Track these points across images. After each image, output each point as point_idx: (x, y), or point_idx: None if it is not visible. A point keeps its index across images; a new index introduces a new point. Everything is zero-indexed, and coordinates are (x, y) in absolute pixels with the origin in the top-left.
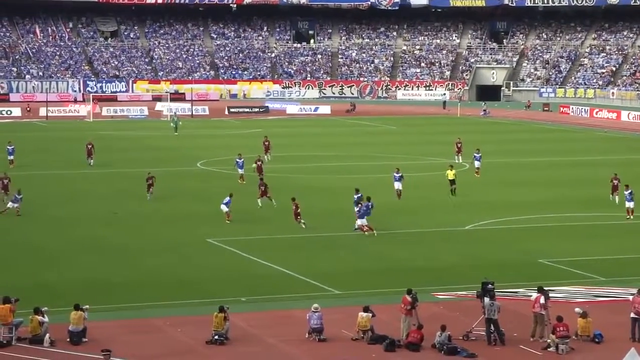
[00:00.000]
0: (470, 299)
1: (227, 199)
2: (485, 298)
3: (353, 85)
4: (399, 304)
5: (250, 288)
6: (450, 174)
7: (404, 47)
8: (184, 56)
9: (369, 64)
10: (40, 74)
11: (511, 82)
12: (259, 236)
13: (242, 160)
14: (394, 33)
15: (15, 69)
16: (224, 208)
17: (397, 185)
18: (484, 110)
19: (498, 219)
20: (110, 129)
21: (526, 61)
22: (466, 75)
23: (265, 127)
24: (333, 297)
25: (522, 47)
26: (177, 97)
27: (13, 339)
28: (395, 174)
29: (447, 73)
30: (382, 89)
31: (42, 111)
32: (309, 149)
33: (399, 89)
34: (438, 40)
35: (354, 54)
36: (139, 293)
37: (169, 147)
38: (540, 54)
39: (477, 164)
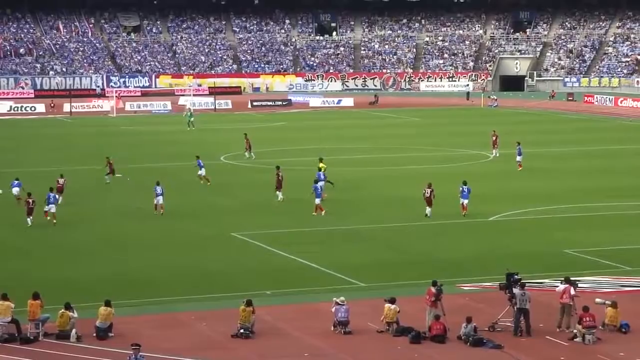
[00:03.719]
0: (495, 290)
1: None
2: (515, 288)
3: (376, 77)
4: (424, 296)
5: (275, 281)
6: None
7: (427, 39)
8: (207, 50)
9: (391, 55)
10: (64, 69)
11: (535, 72)
12: (284, 229)
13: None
14: (417, 24)
15: (39, 65)
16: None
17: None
18: (493, 99)
19: (522, 210)
20: (134, 124)
21: (550, 51)
22: (489, 65)
23: (288, 120)
24: (358, 289)
25: (546, 36)
26: (233, 90)
27: (40, 334)
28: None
29: (471, 64)
30: (405, 80)
31: (66, 107)
32: (332, 142)
33: (422, 80)
34: (461, 31)
35: (376, 46)
36: (164, 288)
37: (192, 141)
38: (564, 44)
39: (519, 157)
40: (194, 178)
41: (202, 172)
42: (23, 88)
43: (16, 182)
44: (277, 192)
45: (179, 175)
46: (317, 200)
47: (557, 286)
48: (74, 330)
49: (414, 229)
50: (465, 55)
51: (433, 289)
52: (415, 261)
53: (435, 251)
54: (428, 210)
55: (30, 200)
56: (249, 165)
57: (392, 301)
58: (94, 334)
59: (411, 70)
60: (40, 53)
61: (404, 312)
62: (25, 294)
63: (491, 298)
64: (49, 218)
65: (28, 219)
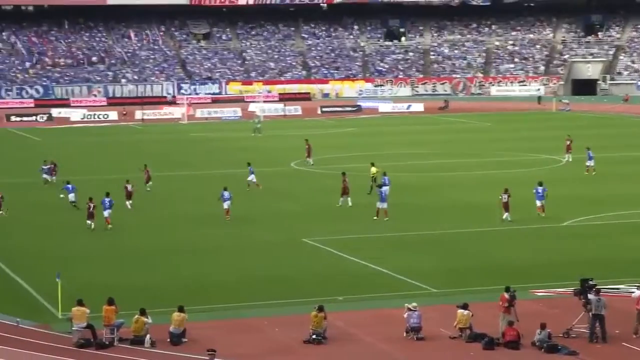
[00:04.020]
0: (570, 296)
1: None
2: (590, 294)
3: (446, 82)
4: (497, 302)
5: (347, 287)
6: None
7: (497, 43)
8: (276, 56)
9: (461, 60)
10: (136, 77)
11: (608, 76)
12: (355, 235)
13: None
14: (486, 29)
15: (111, 74)
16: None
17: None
18: (565, 103)
19: (597, 215)
20: (204, 131)
21: (623, 54)
22: (561, 69)
23: (357, 126)
24: (430, 295)
25: (618, 39)
26: (302, 96)
27: (115, 339)
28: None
29: (542, 68)
30: (475, 85)
31: (138, 114)
32: (402, 147)
33: (493, 85)
34: (531, 35)
35: (446, 51)
36: (236, 293)
37: (262, 147)
38: (637, 47)
39: (590, 162)
40: (264, 183)
41: (252, 178)
42: (96, 96)
43: (70, 186)
44: (342, 198)
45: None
46: (380, 205)
47: (633, 292)
48: (148, 336)
49: (485, 235)
50: (536, 59)
51: (506, 295)
52: (488, 267)
53: (508, 256)
54: (506, 215)
55: (91, 205)
56: (319, 171)
57: (465, 307)
58: (168, 340)
59: (481, 75)
60: (113, 61)
61: (476, 318)
62: (100, 300)
63: (565, 304)
64: (109, 225)
65: (88, 222)
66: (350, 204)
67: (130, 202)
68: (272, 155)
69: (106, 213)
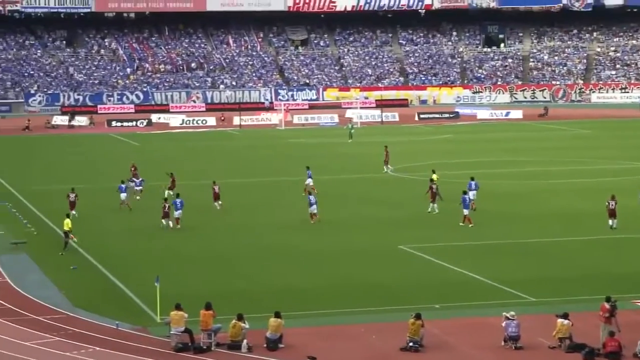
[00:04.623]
0: None
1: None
2: None
3: (545, 89)
4: (597, 312)
5: (443, 295)
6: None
7: (598, 49)
8: (373, 63)
9: (561, 67)
10: (234, 83)
11: None
12: (452, 243)
13: (125, 185)
14: (587, 35)
15: (209, 80)
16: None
17: None
18: None
19: None
20: (301, 137)
21: None
22: None
23: (455, 133)
24: (528, 304)
25: None
26: (399, 102)
27: (212, 344)
28: None
29: None
30: (575, 92)
31: (236, 120)
32: (500, 154)
33: (593, 91)
34: (634, 41)
35: (545, 57)
36: (332, 299)
37: (358, 154)
38: None
39: None
40: (359, 190)
41: (309, 182)
42: (194, 102)
43: (123, 186)
44: (432, 204)
45: (344, 188)
46: (465, 211)
47: None
48: (245, 341)
49: (585, 243)
50: (639, 65)
51: (607, 305)
52: (588, 276)
53: (609, 265)
54: (612, 221)
55: (166, 205)
56: (415, 178)
57: (565, 316)
58: (265, 345)
59: (582, 82)
60: (211, 67)
61: (576, 327)
62: (198, 304)
63: None
64: (178, 225)
65: (163, 221)
66: (436, 211)
67: (219, 202)
68: (368, 161)
69: (177, 214)
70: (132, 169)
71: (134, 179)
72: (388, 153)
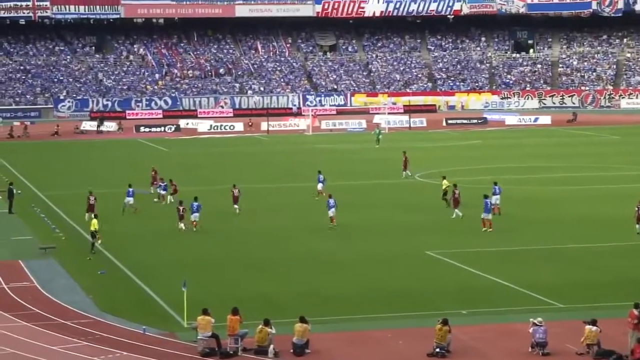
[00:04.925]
0: None
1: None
2: None
3: (574, 94)
4: (625, 318)
5: (471, 301)
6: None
7: (628, 55)
8: (402, 68)
9: (590, 72)
10: (262, 89)
11: None
12: (479, 248)
13: (133, 190)
14: (617, 40)
15: (238, 85)
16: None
17: None
18: None
19: None
20: (329, 142)
21: None
22: None
23: (483, 139)
24: (555, 310)
25: None
26: (428, 108)
27: (239, 349)
28: None
29: None
30: (604, 98)
31: (264, 125)
32: (528, 160)
33: (623, 97)
34: None
35: (575, 63)
36: (359, 305)
37: (386, 159)
38: None
39: None
40: (386, 195)
41: (320, 186)
42: (222, 107)
43: (131, 190)
44: (454, 210)
45: (371, 193)
46: (484, 215)
47: None
48: (271, 346)
49: (614, 249)
50: None
51: (635, 312)
52: (616, 282)
53: (638, 271)
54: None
55: (181, 208)
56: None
57: (593, 323)
58: (291, 350)
59: (611, 88)
60: (239, 73)
61: (605, 334)
62: (224, 310)
63: None
64: (195, 228)
65: (180, 224)
66: (460, 215)
67: (237, 206)
68: (395, 167)
69: (193, 217)
70: (153, 173)
71: (160, 183)
72: (407, 158)
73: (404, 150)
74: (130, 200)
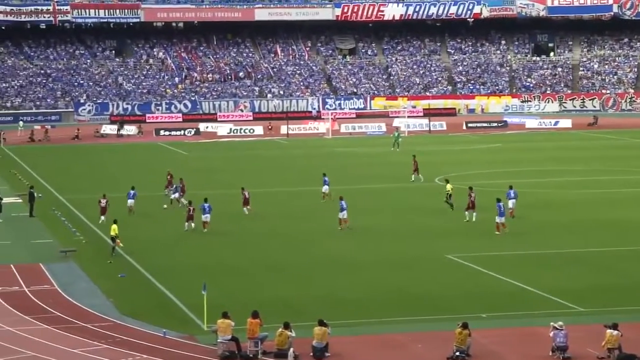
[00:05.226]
0: None
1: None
2: None
3: (595, 97)
4: None
5: (491, 304)
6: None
7: None
8: (421, 72)
9: (611, 75)
10: (281, 92)
11: None
12: (500, 252)
13: (134, 191)
14: (639, 43)
15: (257, 89)
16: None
17: None
18: None
19: None
20: (348, 146)
21: None
22: None
23: (503, 142)
24: (576, 314)
25: None
26: (447, 111)
27: (259, 352)
28: None
29: None
30: (625, 101)
31: (283, 129)
32: (549, 164)
33: None
34: None
35: (595, 66)
36: (379, 308)
37: (405, 162)
38: None
39: None
40: (406, 198)
41: (325, 189)
42: (242, 111)
43: (132, 192)
44: (467, 212)
45: (390, 196)
46: (498, 219)
47: None
48: (291, 349)
49: (635, 253)
50: None
51: None
52: (638, 286)
53: None
54: None
55: (191, 209)
56: (462, 187)
57: (615, 327)
58: (311, 354)
59: (632, 91)
60: (259, 76)
61: (626, 338)
62: (244, 313)
63: None
64: (205, 229)
65: (186, 224)
66: (474, 219)
67: (248, 207)
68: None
69: (204, 217)
70: (168, 177)
71: (170, 188)
72: (417, 162)
73: (414, 154)
74: (131, 202)
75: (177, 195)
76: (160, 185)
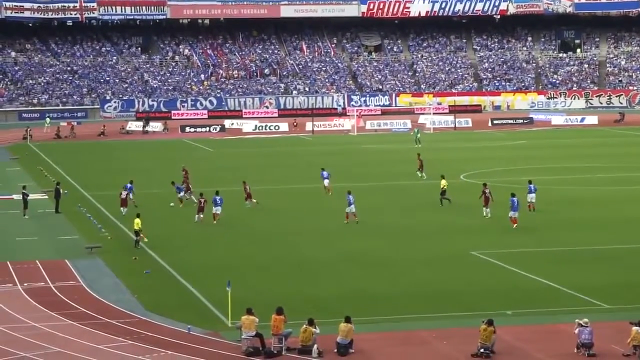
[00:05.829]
0: None
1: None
2: None
3: (622, 94)
4: None
5: (516, 301)
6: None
7: None
8: (447, 68)
9: (638, 72)
10: (307, 89)
11: None
12: (524, 249)
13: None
14: None
15: (282, 85)
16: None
17: None
18: None
19: None
20: (374, 142)
21: None
22: None
23: (529, 139)
24: (602, 311)
25: None
26: (473, 108)
27: (283, 349)
28: None
29: None
30: None
31: (309, 126)
32: (575, 161)
33: None
34: None
35: (622, 62)
36: (403, 305)
37: (431, 159)
38: None
39: None
40: (429, 195)
41: (326, 182)
42: (267, 107)
43: (129, 185)
44: (486, 209)
45: (414, 193)
46: (511, 213)
47: None
48: (315, 346)
49: None
50: None
51: None
52: None
53: None
54: None
55: (202, 200)
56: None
57: None
58: (335, 350)
59: None
60: (284, 73)
61: None
62: (269, 309)
63: None
64: (215, 221)
65: (196, 216)
66: (489, 215)
67: (252, 200)
68: (438, 167)
69: (214, 209)
70: (184, 173)
71: (178, 186)
72: (421, 160)
73: (419, 152)
74: (124, 194)
75: (182, 194)
76: (180, 181)
